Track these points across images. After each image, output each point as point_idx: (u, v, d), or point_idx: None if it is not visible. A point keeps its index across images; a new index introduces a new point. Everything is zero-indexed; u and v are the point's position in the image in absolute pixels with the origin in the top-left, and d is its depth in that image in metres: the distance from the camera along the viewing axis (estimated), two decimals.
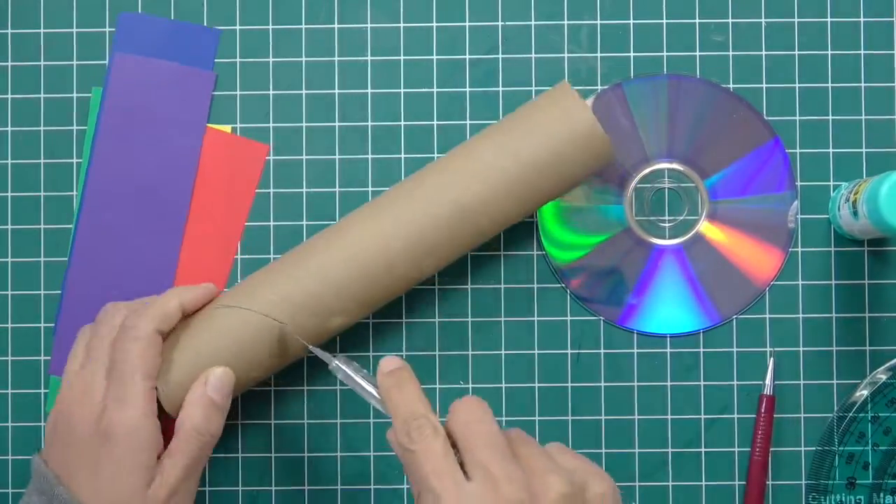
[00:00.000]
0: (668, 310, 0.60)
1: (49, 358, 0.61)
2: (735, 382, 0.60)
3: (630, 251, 0.61)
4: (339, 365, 0.52)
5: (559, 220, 0.61)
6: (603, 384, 0.61)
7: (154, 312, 0.54)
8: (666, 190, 0.61)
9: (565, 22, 0.61)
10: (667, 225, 0.61)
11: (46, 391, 0.61)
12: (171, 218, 0.61)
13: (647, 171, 0.61)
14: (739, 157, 0.61)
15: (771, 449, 0.60)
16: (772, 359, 0.60)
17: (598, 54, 0.61)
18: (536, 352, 0.61)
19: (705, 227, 0.61)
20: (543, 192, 0.55)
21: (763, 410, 0.59)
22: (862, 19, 0.61)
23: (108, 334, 0.54)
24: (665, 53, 0.61)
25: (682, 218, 0.61)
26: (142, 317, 0.54)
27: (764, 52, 0.61)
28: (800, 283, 0.60)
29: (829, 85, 0.61)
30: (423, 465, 0.45)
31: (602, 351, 0.61)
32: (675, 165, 0.61)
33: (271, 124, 0.61)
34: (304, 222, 0.61)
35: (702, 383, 0.60)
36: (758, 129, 0.61)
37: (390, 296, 0.56)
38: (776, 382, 0.60)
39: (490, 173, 0.54)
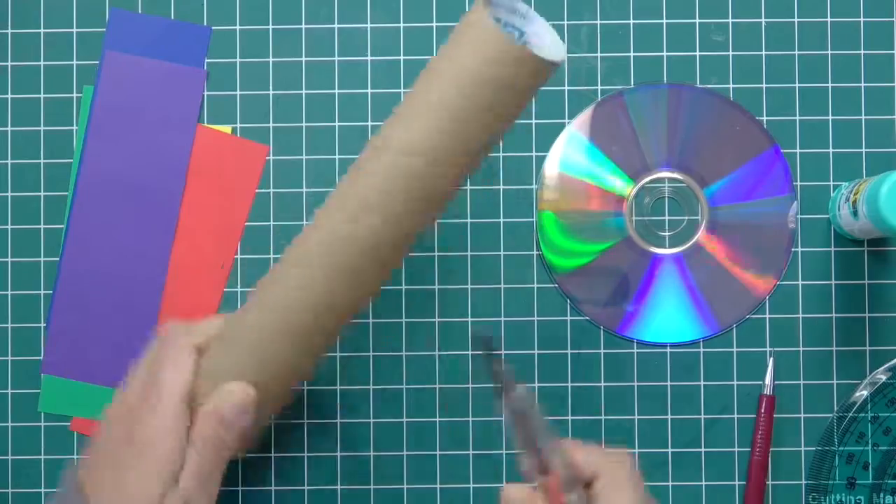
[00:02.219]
0: (668, 318, 0.60)
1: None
2: (735, 382, 0.60)
3: (630, 260, 0.61)
4: (524, 395, 0.47)
5: (560, 228, 0.61)
6: (603, 384, 0.60)
7: (193, 327, 0.53)
8: (666, 199, 0.61)
9: (565, 22, 0.61)
10: (667, 234, 0.61)
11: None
12: (162, 216, 0.61)
13: (647, 179, 0.61)
14: (739, 167, 0.61)
15: (771, 449, 0.60)
16: (772, 359, 0.60)
17: (598, 54, 0.61)
18: (536, 352, 0.61)
19: (705, 236, 0.61)
20: (483, 122, 0.47)
21: (763, 410, 0.59)
22: (862, 19, 0.61)
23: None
24: (665, 53, 0.61)
25: (682, 225, 0.61)
26: (181, 331, 0.53)
27: (764, 53, 0.61)
28: (800, 283, 0.60)
29: (829, 85, 0.61)
30: None
31: (602, 351, 0.61)
32: (675, 174, 0.61)
33: (271, 124, 0.61)
34: (304, 222, 0.61)
35: (702, 383, 0.60)
36: (757, 138, 0.60)
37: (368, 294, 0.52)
38: (776, 382, 0.60)
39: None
